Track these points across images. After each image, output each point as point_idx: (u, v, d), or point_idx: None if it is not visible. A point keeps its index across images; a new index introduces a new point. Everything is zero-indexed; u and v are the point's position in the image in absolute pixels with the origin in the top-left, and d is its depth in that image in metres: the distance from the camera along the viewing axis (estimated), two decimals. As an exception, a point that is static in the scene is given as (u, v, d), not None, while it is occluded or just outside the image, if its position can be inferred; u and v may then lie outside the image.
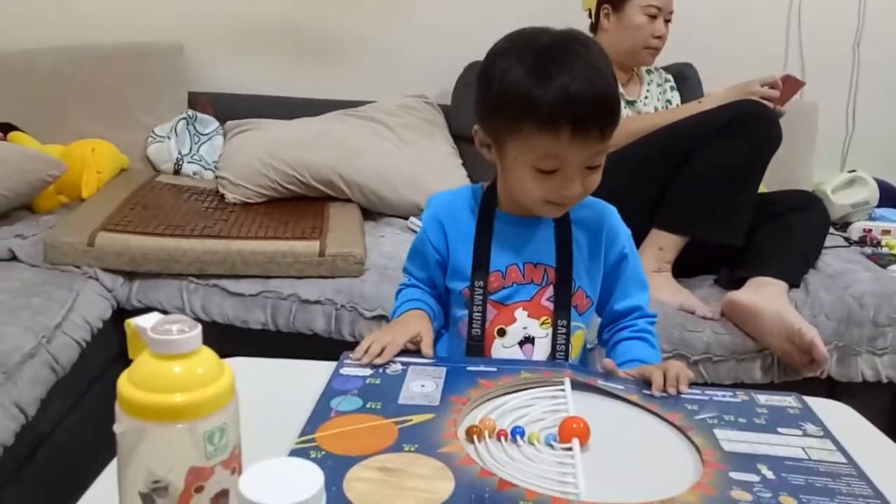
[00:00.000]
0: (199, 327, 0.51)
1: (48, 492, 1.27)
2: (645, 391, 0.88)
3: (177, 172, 2.15)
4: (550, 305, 1.01)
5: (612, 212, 1.06)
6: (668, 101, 2.07)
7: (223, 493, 0.51)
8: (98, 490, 0.64)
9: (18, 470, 1.20)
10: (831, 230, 1.94)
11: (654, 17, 1.90)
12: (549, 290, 1.01)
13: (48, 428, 1.30)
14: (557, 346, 1.00)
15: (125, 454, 0.50)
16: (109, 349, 1.49)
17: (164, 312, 0.57)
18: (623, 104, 1.94)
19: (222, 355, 0.54)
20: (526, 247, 1.01)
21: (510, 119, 0.91)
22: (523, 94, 0.89)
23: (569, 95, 0.87)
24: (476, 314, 1.00)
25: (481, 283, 1.00)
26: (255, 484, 0.46)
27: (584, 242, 1.03)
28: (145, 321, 0.51)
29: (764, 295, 1.55)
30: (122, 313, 1.58)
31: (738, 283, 1.64)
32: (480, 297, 1.00)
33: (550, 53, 0.90)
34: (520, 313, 1.01)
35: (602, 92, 0.89)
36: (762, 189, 1.76)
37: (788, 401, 0.88)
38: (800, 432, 0.80)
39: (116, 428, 0.50)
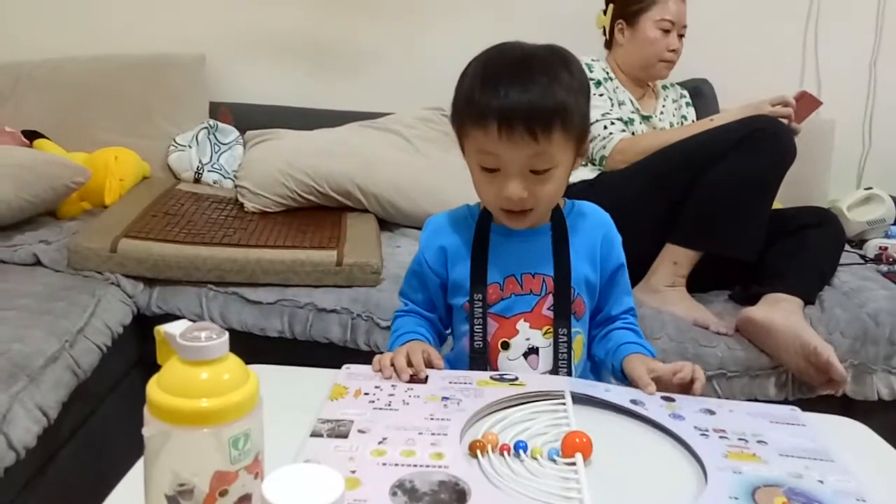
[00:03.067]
0: (227, 335, 0.52)
1: (69, 494, 1.29)
2: (639, 401, 0.89)
3: (197, 181, 2.18)
4: (551, 314, 1.02)
5: (607, 218, 1.08)
6: (684, 117, 2.08)
7: (246, 498, 0.53)
8: (124, 490, 0.65)
9: (40, 471, 1.22)
10: (847, 247, 1.94)
11: (667, 31, 1.92)
12: (549, 300, 1.02)
13: (69, 431, 1.32)
14: (560, 354, 1.02)
15: (152, 457, 0.52)
16: (129, 355, 1.52)
17: (184, 319, 0.58)
18: (638, 119, 1.95)
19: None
20: (523, 258, 1.03)
21: (459, 117, 0.98)
22: (467, 93, 0.95)
23: (499, 94, 0.91)
24: (477, 327, 1.02)
25: (480, 295, 1.02)
26: (278, 489, 0.47)
27: (582, 250, 1.04)
28: (174, 328, 0.53)
29: (779, 311, 1.55)
30: (142, 319, 1.60)
31: (752, 299, 1.64)
32: (480, 310, 1.02)
33: (508, 61, 0.95)
34: (521, 325, 1.02)
35: (535, 96, 0.91)
36: (778, 205, 1.77)
37: (786, 412, 0.90)
38: (796, 439, 0.82)
39: (145, 431, 0.51)
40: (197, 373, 0.51)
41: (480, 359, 1.02)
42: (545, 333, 1.02)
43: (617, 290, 1.09)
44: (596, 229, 1.06)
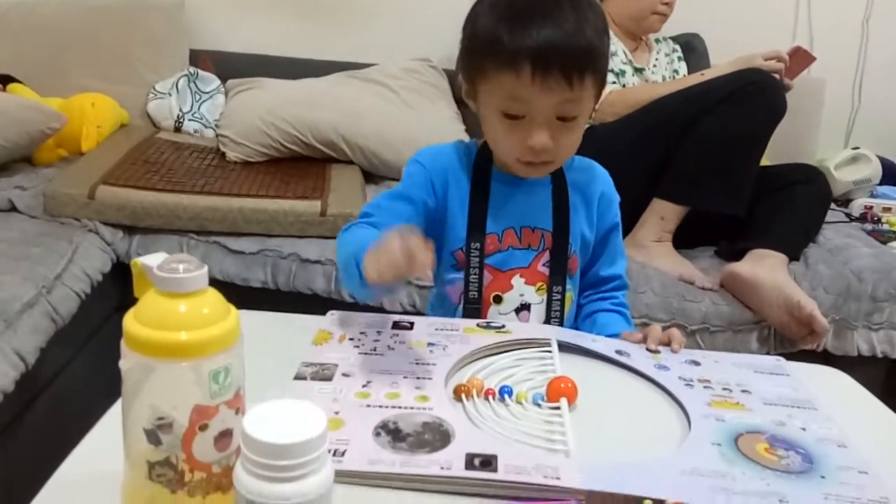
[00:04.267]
0: (206, 267, 0.51)
1: (47, 439, 1.27)
2: (625, 351, 0.89)
3: (177, 130, 2.14)
4: (546, 271, 1.00)
5: (606, 176, 1.05)
6: (676, 72, 2.06)
7: (227, 433, 0.51)
8: (103, 427, 0.64)
9: (18, 417, 1.21)
10: (833, 206, 1.94)
11: (662, -17, 1.89)
12: (546, 256, 1.00)
13: (48, 377, 1.30)
14: (552, 311, 1.00)
15: (130, 391, 0.50)
16: (109, 302, 1.50)
17: (162, 252, 0.56)
18: (631, 71, 1.93)
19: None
20: (523, 210, 0.99)
21: (478, 60, 0.90)
22: (490, 34, 0.88)
23: (532, 35, 0.85)
24: (473, 277, 0.98)
25: (478, 245, 0.98)
26: (259, 423, 0.46)
27: (581, 207, 1.01)
28: (152, 260, 0.51)
29: (764, 267, 1.56)
30: (122, 267, 1.58)
31: (738, 255, 1.64)
32: (477, 260, 0.98)
33: (525, 2, 0.88)
34: (517, 280, 1.00)
35: (570, 37, 0.86)
36: (766, 162, 1.76)
37: (770, 362, 0.90)
38: (780, 388, 0.83)
39: (122, 364, 0.50)
40: (175, 305, 0.49)
41: (473, 309, 0.99)
42: (538, 290, 1.00)
43: (608, 250, 1.06)
44: (595, 186, 1.03)
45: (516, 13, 0.87)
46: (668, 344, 0.92)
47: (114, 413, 0.63)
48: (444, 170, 0.99)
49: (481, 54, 0.90)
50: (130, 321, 0.50)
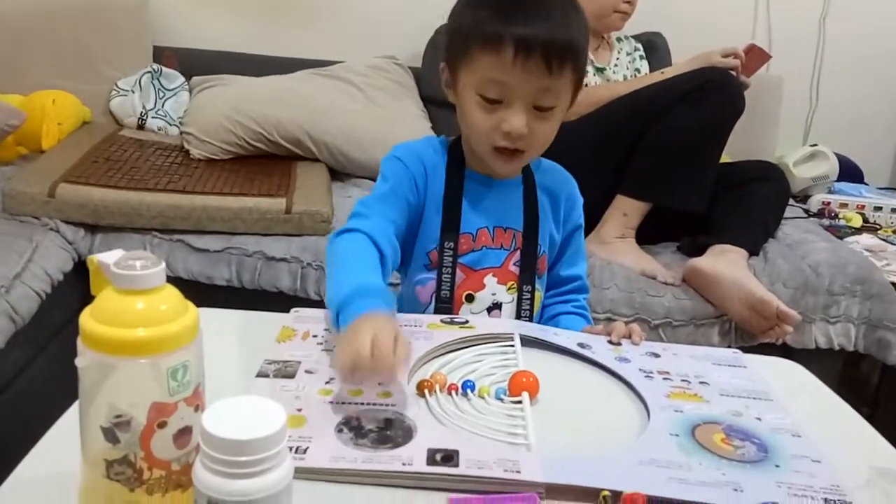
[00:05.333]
0: (163, 263, 0.50)
1: (8, 441, 1.25)
2: (587, 344, 0.90)
3: (141, 127, 2.11)
4: (517, 270, 1.01)
5: (571, 179, 1.07)
6: (637, 70, 2.08)
7: (186, 430, 0.51)
8: (62, 427, 0.64)
9: (-23, 419, 1.19)
10: (791, 202, 1.99)
11: (624, -18, 1.91)
12: (517, 255, 1.01)
13: (7, 378, 1.28)
14: (522, 310, 1.01)
15: (87, 389, 0.50)
16: (70, 302, 1.47)
17: (120, 249, 0.56)
18: (592, 71, 1.95)
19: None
20: (496, 210, 1.00)
21: (463, 44, 0.91)
22: (477, 18, 0.90)
23: (518, 22, 0.87)
24: (445, 276, 0.99)
25: (451, 244, 0.98)
26: (219, 420, 0.46)
27: (549, 208, 1.03)
28: (108, 257, 0.51)
29: (724, 262, 1.59)
30: (83, 266, 1.55)
31: (700, 251, 1.67)
32: (450, 259, 0.98)
33: None
34: (489, 279, 1.00)
35: (554, 28, 0.88)
36: (726, 159, 1.79)
37: (728, 354, 0.92)
38: (737, 380, 0.85)
39: (78, 362, 0.49)
40: (133, 302, 0.49)
41: (445, 309, 0.99)
42: (509, 289, 1.01)
43: (570, 250, 1.08)
44: (561, 187, 1.05)
45: (506, 3, 0.89)
46: (629, 337, 0.93)
47: (73, 413, 0.62)
48: (423, 167, 0.99)
49: (467, 37, 0.91)
50: (87, 319, 0.49)
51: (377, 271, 0.86)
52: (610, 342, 0.92)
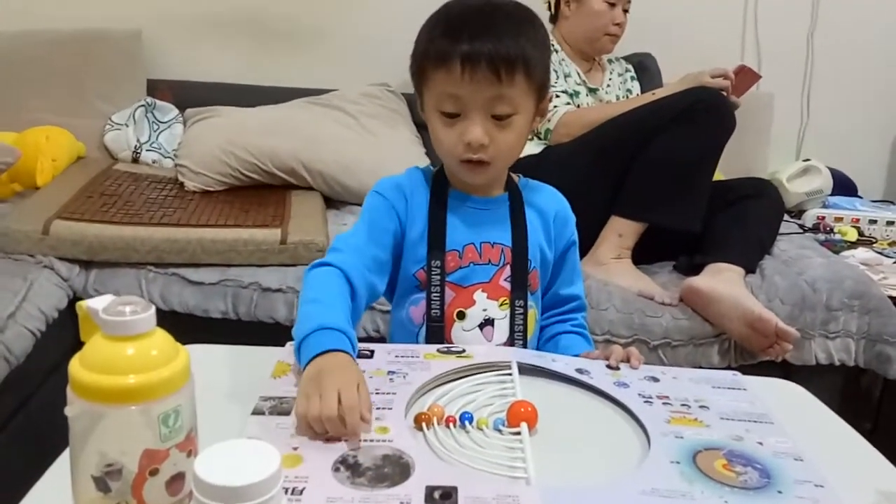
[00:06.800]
0: (153, 308, 0.50)
1: (1, 482, 1.24)
2: (585, 370, 0.89)
3: (135, 161, 2.11)
4: (508, 286, 1.01)
5: (560, 196, 1.08)
6: (629, 91, 2.10)
7: (179, 476, 0.51)
8: (52, 476, 0.63)
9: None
10: (786, 217, 1.99)
11: (613, 4, 1.95)
12: (507, 271, 1.01)
13: (2, 419, 1.27)
14: (515, 326, 1.01)
15: (78, 438, 0.50)
16: (65, 340, 1.46)
17: (110, 294, 0.55)
18: (585, 92, 1.96)
19: (182, 344, 0.54)
20: (482, 226, 1.01)
21: (420, 66, 0.95)
22: (429, 39, 0.94)
23: (463, 36, 0.90)
24: (434, 295, 0.99)
25: (438, 262, 0.99)
26: (211, 466, 0.46)
27: (538, 223, 1.04)
28: (97, 303, 0.50)
29: (721, 280, 1.59)
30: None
31: (696, 269, 1.67)
32: (438, 278, 0.99)
33: (473, 9, 0.94)
34: (479, 295, 1.00)
35: (500, 42, 0.90)
36: (719, 176, 1.80)
37: (728, 377, 0.91)
38: (737, 403, 0.84)
39: (68, 411, 0.49)
40: (122, 348, 0.49)
41: (436, 328, 0.99)
42: (501, 305, 1.01)
43: (566, 268, 1.08)
44: (550, 205, 1.06)
45: (455, 24, 0.93)
46: (627, 361, 0.93)
47: (63, 460, 0.61)
48: (403, 196, 1.01)
49: (423, 59, 0.95)
50: (76, 367, 0.49)
51: (345, 307, 0.88)
52: (608, 366, 0.92)
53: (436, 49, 0.92)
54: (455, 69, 0.90)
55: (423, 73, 0.95)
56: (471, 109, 0.92)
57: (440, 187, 1.02)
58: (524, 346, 1.01)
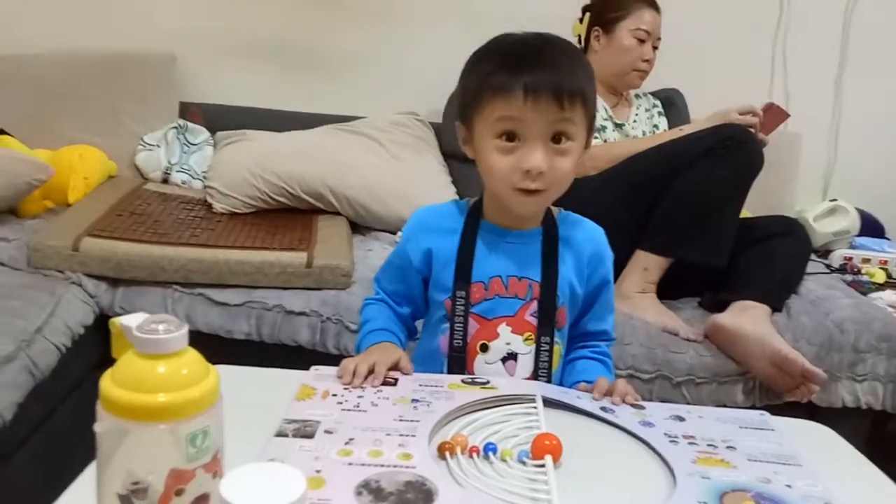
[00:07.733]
0: (186, 327, 0.50)
1: (25, 498, 1.25)
2: (609, 408, 0.89)
3: (165, 181, 2.14)
4: (534, 321, 1.00)
5: (601, 234, 1.06)
6: (656, 126, 2.10)
7: (204, 497, 0.51)
8: (76, 491, 0.63)
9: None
10: (813, 257, 1.96)
11: (642, 41, 1.95)
12: (533, 306, 1.00)
13: (25, 433, 1.28)
14: (540, 362, 1.00)
15: (105, 455, 0.50)
16: (90, 355, 1.48)
17: (142, 312, 0.56)
18: (612, 127, 1.96)
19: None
20: (511, 260, 1.00)
21: (474, 97, 0.95)
22: (487, 71, 0.94)
23: (522, 65, 0.91)
24: (458, 325, 0.99)
25: (463, 293, 0.99)
26: (236, 488, 0.46)
27: (570, 261, 1.02)
28: (131, 320, 0.51)
29: (747, 318, 1.57)
30: (105, 320, 1.56)
31: (721, 306, 1.65)
32: (462, 308, 0.99)
33: (524, 43, 0.96)
34: (503, 329, 1.00)
35: (560, 74, 0.91)
36: (746, 214, 1.78)
37: (755, 417, 0.90)
38: (765, 444, 0.82)
39: (97, 427, 0.49)
40: (154, 366, 0.49)
41: (458, 358, 0.99)
42: (526, 340, 1.00)
43: (598, 306, 1.07)
44: (587, 242, 1.04)
45: (513, 56, 0.94)
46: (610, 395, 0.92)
47: (85, 477, 0.62)
48: (427, 235, 1.03)
49: (478, 90, 0.95)
50: (108, 383, 0.49)
51: (390, 320, 1.06)
52: (633, 406, 0.90)
53: (495, 80, 0.92)
54: (517, 97, 0.91)
55: (479, 103, 0.95)
56: (531, 135, 0.92)
57: (473, 219, 1.02)
58: (548, 381, 1.00)
